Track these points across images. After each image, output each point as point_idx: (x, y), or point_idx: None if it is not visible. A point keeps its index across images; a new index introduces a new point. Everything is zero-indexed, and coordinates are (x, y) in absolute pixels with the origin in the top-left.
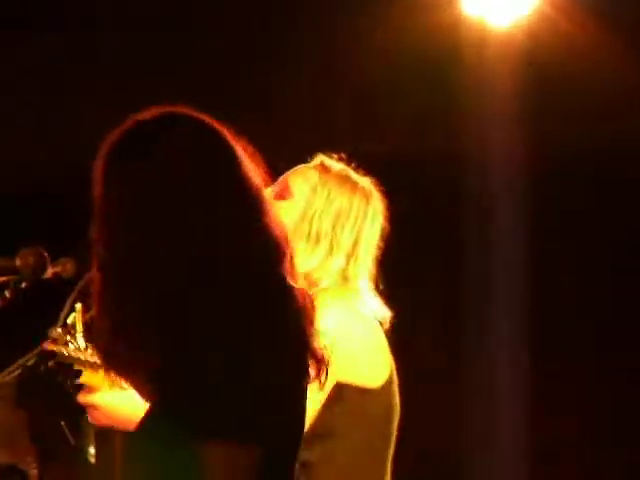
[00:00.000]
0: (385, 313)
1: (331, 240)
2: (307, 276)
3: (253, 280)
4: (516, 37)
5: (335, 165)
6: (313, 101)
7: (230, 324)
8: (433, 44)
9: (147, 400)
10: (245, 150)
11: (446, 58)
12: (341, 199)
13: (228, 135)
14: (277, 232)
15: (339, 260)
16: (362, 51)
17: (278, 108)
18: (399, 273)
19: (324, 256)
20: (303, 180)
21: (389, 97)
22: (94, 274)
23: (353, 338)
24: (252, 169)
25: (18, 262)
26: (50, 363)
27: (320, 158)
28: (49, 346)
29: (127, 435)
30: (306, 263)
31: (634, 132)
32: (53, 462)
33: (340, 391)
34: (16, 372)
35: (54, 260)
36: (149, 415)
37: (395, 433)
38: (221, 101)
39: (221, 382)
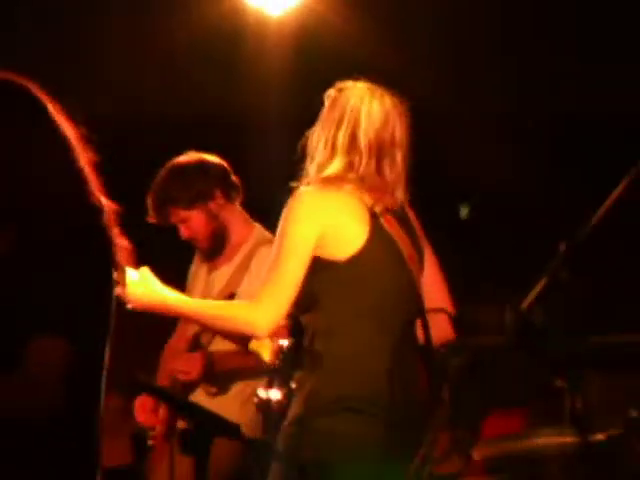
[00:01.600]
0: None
1: (333, 142)
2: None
3: (69, 207)
4: (288, 25)
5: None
6: (123, 67)
7: (47, 246)
8: (220, 29)
9: None
10: (56, 108)
11: (230, 41)
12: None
13: (44, 96)
14: (85, 173)
15: (340, 157)
16: (166, 31)
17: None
18: None
19: (329, 153)
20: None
21: (189, 70)
22: None
23: (321, 220)
24: (63, 124)
25: None
26: None
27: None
28: None
29: None
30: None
31: None
32: None
33: (314, 264)
34: None
35: None
36: None
37: (387, 298)
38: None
39: (41, 291)
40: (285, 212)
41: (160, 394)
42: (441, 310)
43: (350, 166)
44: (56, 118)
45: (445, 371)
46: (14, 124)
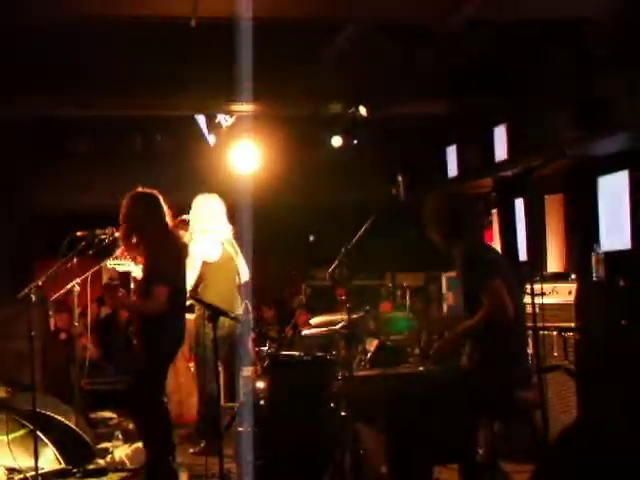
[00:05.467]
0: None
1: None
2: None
3: (170, 241)
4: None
5: None
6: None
7: (167, 255)
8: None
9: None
10: (165, 202)
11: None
12: None
13: (160, 197)
14: (176, 232)
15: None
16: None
17: None
18: None
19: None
20: None
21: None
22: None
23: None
24: (167, 209)
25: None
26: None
27: None
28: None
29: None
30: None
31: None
32: None
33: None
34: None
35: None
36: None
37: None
38: None
39: (164, 269)
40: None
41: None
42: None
43: None
44: (163, 204)
45: None
46: (152, 206)
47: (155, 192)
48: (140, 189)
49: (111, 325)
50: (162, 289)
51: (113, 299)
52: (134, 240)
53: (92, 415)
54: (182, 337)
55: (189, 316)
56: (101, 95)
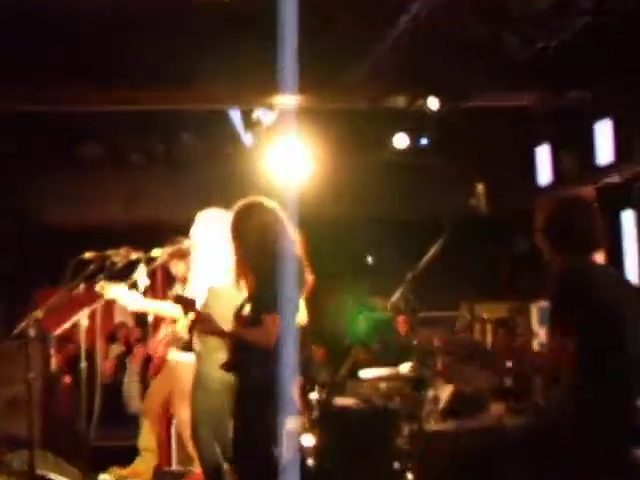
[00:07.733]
0: None
1: None
2: None
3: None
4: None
5: None
6: None
7: (273, 272)
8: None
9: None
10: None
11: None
12: None
13: (277, 210)
14: (289, 241)
15: None
16: None
17: None
18: None
19: None
20: None
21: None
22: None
23: None
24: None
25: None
26: None
27: None
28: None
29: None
30: None
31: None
32: None
33: None
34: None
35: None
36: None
37: None
38: None
39: (270, 295)
40: None
41: None
42: None
43: None
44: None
45: None
46: (264, 215)
47: (267, 201)
48: (248, 199)
49: (124, 366)
50: (276, 317)
51: (203, 323)
52: (242, 260)
53: (102, 476)
54: None
55: (187, 357)
56: (117, 87)
